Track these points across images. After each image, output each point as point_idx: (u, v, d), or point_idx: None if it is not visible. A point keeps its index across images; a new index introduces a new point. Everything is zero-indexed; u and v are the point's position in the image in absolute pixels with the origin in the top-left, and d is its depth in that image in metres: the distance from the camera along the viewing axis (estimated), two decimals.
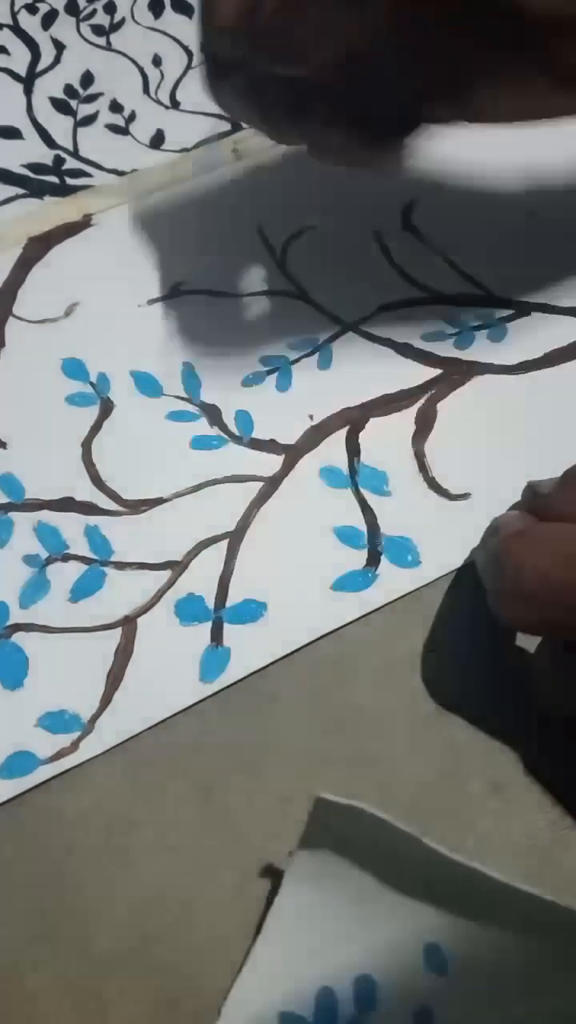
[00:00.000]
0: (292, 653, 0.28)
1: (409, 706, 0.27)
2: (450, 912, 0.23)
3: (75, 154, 0.42)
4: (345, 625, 0.28)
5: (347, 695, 0.27)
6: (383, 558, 0.29)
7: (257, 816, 0.26)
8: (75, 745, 0.27)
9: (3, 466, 0.32)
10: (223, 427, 0.33)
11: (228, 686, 0.28)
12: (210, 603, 0.29)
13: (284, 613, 0.29)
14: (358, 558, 0.29)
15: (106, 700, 0.28)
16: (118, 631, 0.29)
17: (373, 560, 0.29)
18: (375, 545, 0.30)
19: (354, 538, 0.30)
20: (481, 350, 0.34)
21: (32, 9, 0.49)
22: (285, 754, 0.26)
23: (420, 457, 0.32)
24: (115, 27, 0.48)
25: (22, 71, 0.46)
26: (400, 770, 0.26)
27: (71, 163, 0.42)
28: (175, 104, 0.44)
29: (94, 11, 0.49)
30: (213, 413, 0.33)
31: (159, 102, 0.44)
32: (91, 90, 0.45)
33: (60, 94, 0.45)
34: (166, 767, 0.26)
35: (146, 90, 0.44)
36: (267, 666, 0.28)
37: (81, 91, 0.45)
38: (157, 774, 0.26)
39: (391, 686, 0.27)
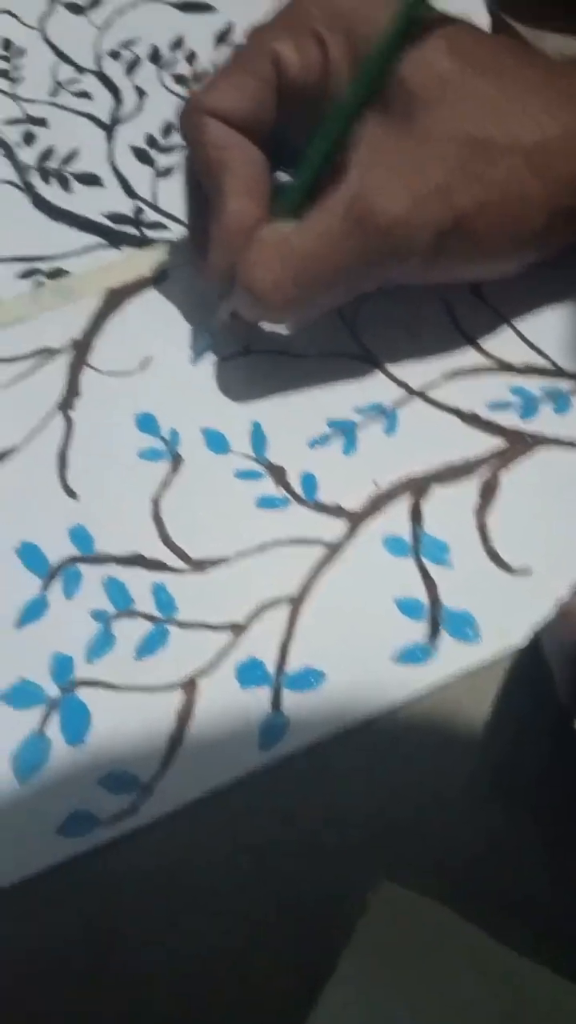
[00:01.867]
0: (351, 724, 0.28)
1: (467, 783, 0.27)
2: (517, 1016, 0.23)
3: (154, 206, 0.43)
4: (405, 699, 0.29)
5: (405, 769, 0.28)
6: (443, 632, 0.30)
7: (313, 888, 0.26)
8: (134, 807, 0.28)
9: (74, 517, 0.33)
10: (288, 488, 0.33)
11: (287, 755, 0.28)
12: (271, 668, 0.30)
13: (344, 683, 0.29)
14: (419, 630, 0.30)
15: (166, 762, 0.28)
16: (180, 691, 0.29)
17: (434, 633, 0.30)
18: (436, 618, 0.30)
19: (415, 610, 0.30)
20: (546, 422, 0.34)
21: (116, 55, 0.50)
22: (342, 825, 0.27)
23: (482, 529, 0.32)
24: (197, 78, 0.48)
25: (105, 117, 0.47)
26: (457, 847, 0.26)
27: (150, 215, 0.43)
28: None
29: (176, 60, 0.50)
30: (279, 473, 0.34)
31: None
32: (170, 141, 0.46)
33: (141, 143, 0.46)
34: (223, 833, 0.27)
35: None
36: (326, 736, 0.28)
37: (162, 141, 0.46)
38: (214, 840, 0.27)
39: (449, 763, 0.28)
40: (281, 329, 0.35)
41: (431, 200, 0.29)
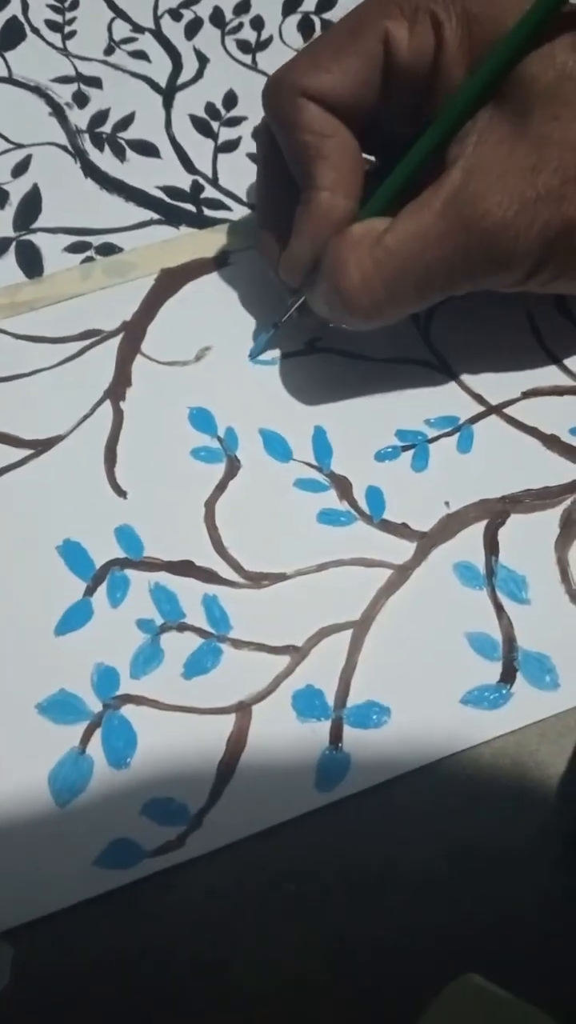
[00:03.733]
0: (416, 769, 0.26)
1: (538, 845, 0.25)
2: None
3: (214, 182, 0.41)
4: (475, 745, 0.27)
5: (473, 823, 0.26)
6: (519, 675, 0.28)
7: (373, 945, 0.24)
8: (181, 840, 0.26)
9: (122, 517, 0.31)
10: (353, 503, 0.31)
11: (346, 797, 0.26)
12: (330, 699, 0.28)
13: (409, 723, 0.27)
14: (492, 671, 0.28)
15: (215, 794, 0.27)
16: (231, 717, 0.28)
17: (508, 675, 0.28)
18: (511, 659, 0.28)
19: (488, 647, 0.28)
20: None
21: (176, 15, 0.47)
22: (405, 880, 0.25)
23: (563, 564, 0.30)
24: (261, 45, 0.46)
25: (162, 82, 0.45)
26: (524, 917, 0.25)
27: (209, 192, 0.40)
28: None
29: (240, 24, 0.47)
30: (343, 486, 0.32)
31: None
32: (234, 112, 0.43)
33: (201, 113, 0.43)
34: (274, 878, 0.25)
35: None
36: (389, 780, 0.26)
37: (223, 112, 0.43)
38: (264, 885, 0.25)
39: (519, 820, 0.26)
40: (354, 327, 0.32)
41: (541, 207, 0.27)
